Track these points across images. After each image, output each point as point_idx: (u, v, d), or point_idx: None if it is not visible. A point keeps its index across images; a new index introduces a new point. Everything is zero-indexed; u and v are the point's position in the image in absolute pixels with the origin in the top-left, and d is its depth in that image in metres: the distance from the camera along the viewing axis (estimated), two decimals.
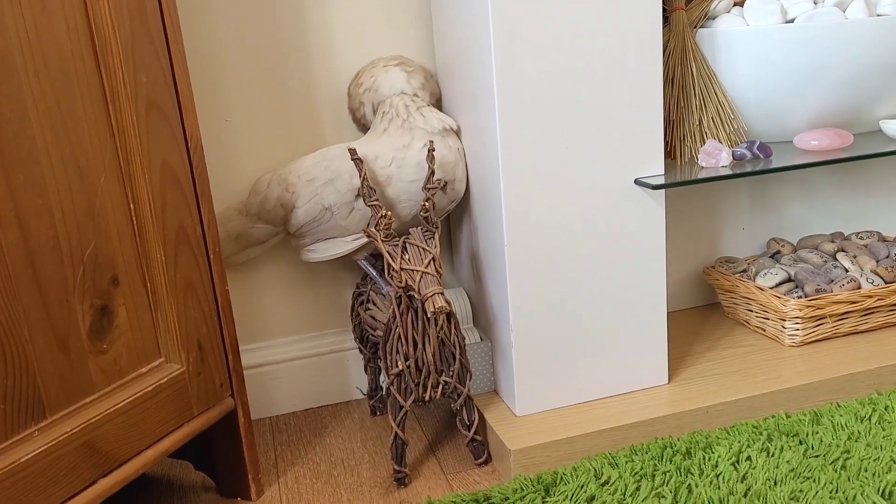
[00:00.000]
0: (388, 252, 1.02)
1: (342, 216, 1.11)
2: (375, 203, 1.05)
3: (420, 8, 1.23)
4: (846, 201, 1.48)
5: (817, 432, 1.06)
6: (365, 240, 1.12)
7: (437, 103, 1.21)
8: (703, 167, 1.14)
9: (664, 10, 1.11)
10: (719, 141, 1.18)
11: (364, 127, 1.21)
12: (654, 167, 1.08)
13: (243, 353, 1.25)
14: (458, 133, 1.16)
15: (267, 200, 1.13)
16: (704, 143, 1.18)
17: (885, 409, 1.10)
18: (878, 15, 1.18)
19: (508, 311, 1.08)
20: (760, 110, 1.21)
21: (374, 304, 1.16)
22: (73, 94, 0.80)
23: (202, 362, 0.95)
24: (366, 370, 1.25)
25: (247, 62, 1.18)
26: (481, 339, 1.19)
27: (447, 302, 0.98)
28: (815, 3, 1.17)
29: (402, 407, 1.05)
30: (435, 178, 1.09)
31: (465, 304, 1.24)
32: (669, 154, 1.21)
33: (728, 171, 1.11)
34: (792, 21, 1.16)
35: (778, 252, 1.41)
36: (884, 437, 1.04)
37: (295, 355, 1.29)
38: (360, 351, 1.24)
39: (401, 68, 1.16)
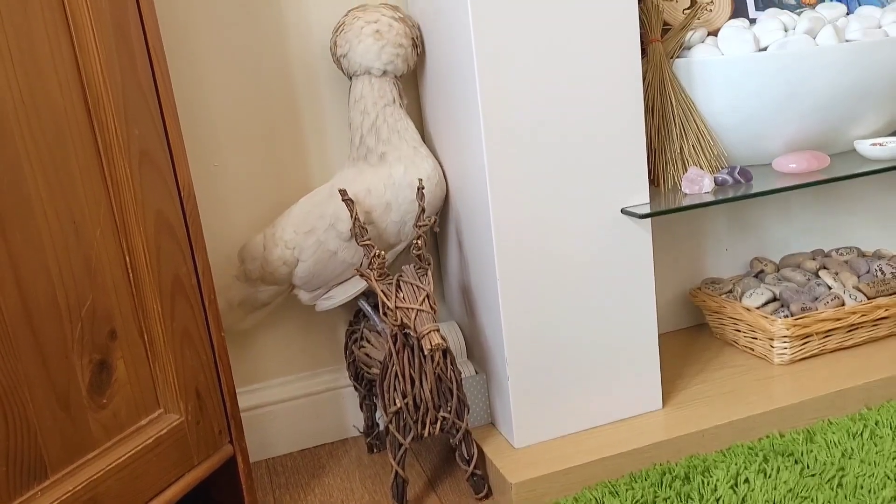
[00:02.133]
0: (382, 291, 1.02)
1: (350, 255, 1.11)
2: (368, 243, 1.06)
3: None
4: (824, 219, 1.52)
5: (812, 451, 1.08)
6: None
7: (416, 58, 1.16)
8: (686, 194, 1.16)
9: (641, 43, 1.13)
10: (700, 167, 1.21)
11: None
12: (640, 196, 1.10)
13: (237, 396, 1.24)
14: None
15: (267, 262, 1.12)
16: (686, 170, 1.20)
17: (876, 425, 1.13)
18: (847, 41, 1.21)
19: (503, 344, 1.09)
20: (738, 135, 1.24)
21: (369, 342, 1.17)
22: (67, 150, 0.80)
23: (201, 411, 0.95)
24: (361, 407, 1.25)
25: (233, 106, 1.19)
26: (476, 373, 1.20)
27: (443, 338, 0.99)
28: (787, 32, 1.21)
29: (401, 445, 1.05)
30: (426, 216, 1.10)
31: (459, 338, 1.24)
32: (653, 181, 1.23)
33: (711, 198, 1.13)
34: (765, 49, 1.20)
35: (762, 271, 1.44)
36: (877, 452, 1.06)
37: (289, 395, 1.29)
38: (356, 388, 1.24)
39: (374, 39, 1.09)
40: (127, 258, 0.87)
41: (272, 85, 1.20)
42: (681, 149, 1.22)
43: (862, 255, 1.45)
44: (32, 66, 0.76)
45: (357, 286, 1.15)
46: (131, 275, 0.87)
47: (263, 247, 1.13)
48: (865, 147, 1.24)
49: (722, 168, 1.22)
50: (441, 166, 1.18)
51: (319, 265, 1.12)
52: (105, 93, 0.83)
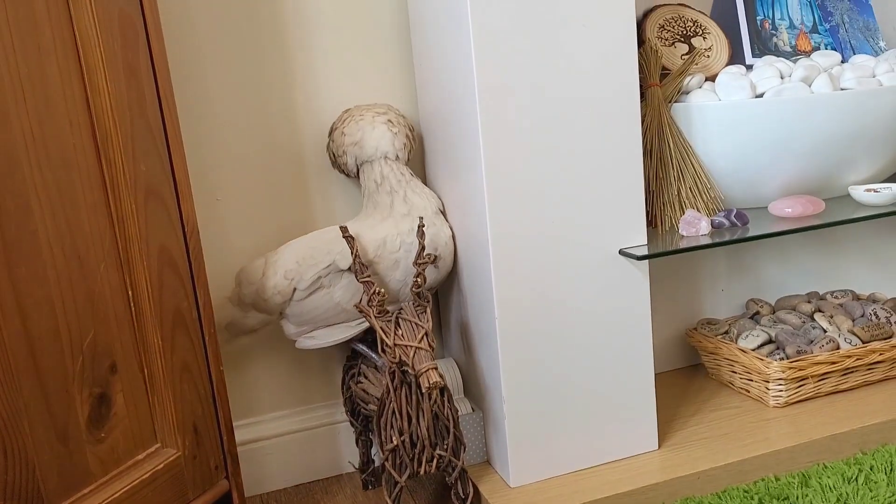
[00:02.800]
0: (381, 328, 1.03)
1: (346, 298, 1.12)
2: (368, 280, 1.07)
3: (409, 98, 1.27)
4: (819, 261, 1.53)
5: (807, 495, 1.08)
6: (368, 324, 1.14)
7: (414, 153, 1.23)
8: (683, 236, 1.18)
9: (640, 87, 1.16)
10: (697, 210, 1.23)
11: (342, 171, 1.21)
12: (638, 237, 1.11)
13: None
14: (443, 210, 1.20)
15: (264, 289, 1.13)
16: (684, 212, 1.22)
17: (871, 469, 1.13)
18: (842, 89, 1.24)
19: (501, 382, 1.09)
20: (735, 179, 1.26)
21: (366, 378, 1.17)
22: (75, 185, 0.81)
23: (198, 445, 0.95)
24: (357, 443, 1.25)
25: (238, 141, 1.21)
26: (473, 410, 1.20)
27: (441, 376, 0.99)
28: (783, 79, 1.23)
29: (397, 482, 1.05)
30: (425, 254, 1.11)
31: (456, 375, 1.25)
32: (651, 223, 1.25)
33: (708, 240, 1.14)
34: (761, 96, 1.22)
35: (757, 313, 1.44)
36: (871, 498, 1.06)
37: (284, 430, 1.29)
38: (352, 424, 1.24)
39: (388, 127, 1.17)
40: (129, 292, 0.88)
41: (278, 121, 1.22)
42: (678, 191, 1.23)
43: (857, 298, 1.46)
44: (44, 103, 0.78)
45: (342, 334, 1.15)
46: (133, 309, 0.88)
47: (262, 272, 1.13)
48: (860, 193, 1.26)
49: (719, 211, 1.24)
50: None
51: (313, 301, 1.13)
52: (114, 130, 0.84)
